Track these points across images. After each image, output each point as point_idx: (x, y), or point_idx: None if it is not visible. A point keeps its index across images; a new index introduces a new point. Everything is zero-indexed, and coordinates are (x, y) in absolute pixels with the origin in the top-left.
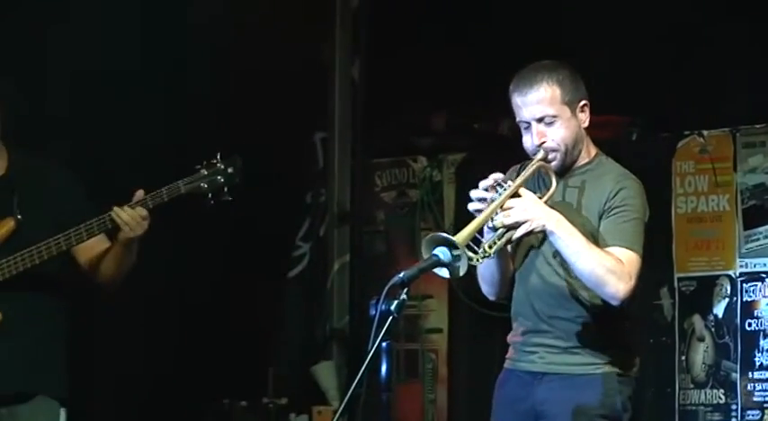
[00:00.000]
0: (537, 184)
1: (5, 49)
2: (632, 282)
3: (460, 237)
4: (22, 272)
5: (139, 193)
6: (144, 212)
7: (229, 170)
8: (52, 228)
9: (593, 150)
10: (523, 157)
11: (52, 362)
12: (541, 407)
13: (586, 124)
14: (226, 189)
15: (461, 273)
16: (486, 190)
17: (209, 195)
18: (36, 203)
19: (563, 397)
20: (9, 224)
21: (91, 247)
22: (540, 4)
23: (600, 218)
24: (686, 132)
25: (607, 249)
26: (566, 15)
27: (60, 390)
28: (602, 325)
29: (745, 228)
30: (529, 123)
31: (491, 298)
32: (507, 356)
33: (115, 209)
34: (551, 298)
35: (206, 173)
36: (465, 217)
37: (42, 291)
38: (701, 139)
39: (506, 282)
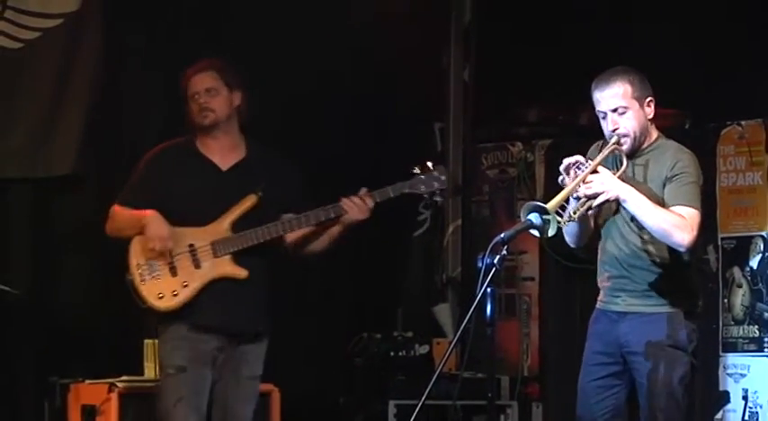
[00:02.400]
0: (613, 164)
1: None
2: (694, 233)
3: (551, 204)
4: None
5: (363, 190)
6: (371, 202)
7: (442, 177)
8: (279, 208)
9: (655, 134)
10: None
11: (270, 310)
12: (624, 339)
13: (651, 116)
14: (438, 191)
15: (551, 234)
16: (569, 166)
17: (426, 195)
18: (273, 184)
19: (640, 330)
20: (252, 199)
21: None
22: (613, 16)
23: (663, 186)
24: (728, 122)
25: (671, 208)
26: (634, 26)
27: (269, 331)
28: (669, 273)
29: None
30: (605, 114)
31: (572, 245)
32: (599, 298)
33: (344, 199)
34: (629, 251)
35: (423, 177)
36: (553, 190)
37: (268, 252)
38: (740, 128)
39: (584, 236)
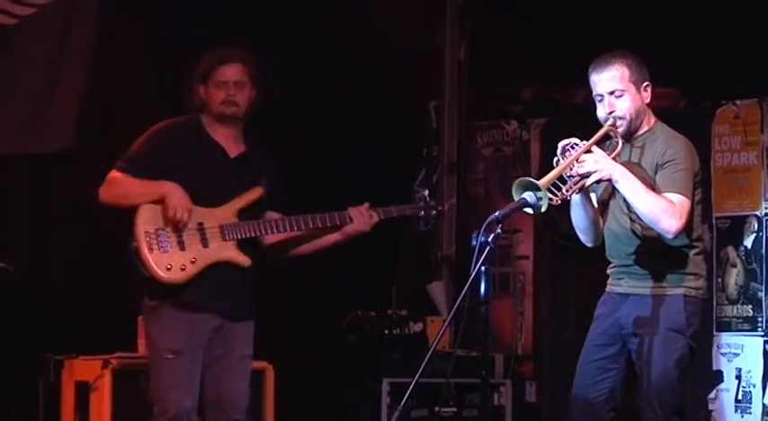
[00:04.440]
0: (607, 148)
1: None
2: (683, 220)
3: (543, 181)
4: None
5: (367, 204)
6: (376, 217)
7: (439, 207)
8: (269, 206)
9: (653, 120)
10: (592, 122)
11: (255, 293)
12: (624, 321)
13: (648, 101)
14: (433, 221)
15: (543, 210)
16: (564, 147)
17: (420, 222)
18: (267, 179)
19: (639, 312)
20: (259, 191)
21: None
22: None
23: (655, 172)
24: (723, 102)
25: (662, 194)
26: (630, 4)
27: (256, 313)
28: (671, 256)
29: None
30: (602, 96)
31: (589, 245)
32: (608, 282)
33: (351, 208)
34: (627, 237)
35: (423, 204)
36: (547, 168)
37: (257, 243)
38: (735, 107)
39: (598, 231)
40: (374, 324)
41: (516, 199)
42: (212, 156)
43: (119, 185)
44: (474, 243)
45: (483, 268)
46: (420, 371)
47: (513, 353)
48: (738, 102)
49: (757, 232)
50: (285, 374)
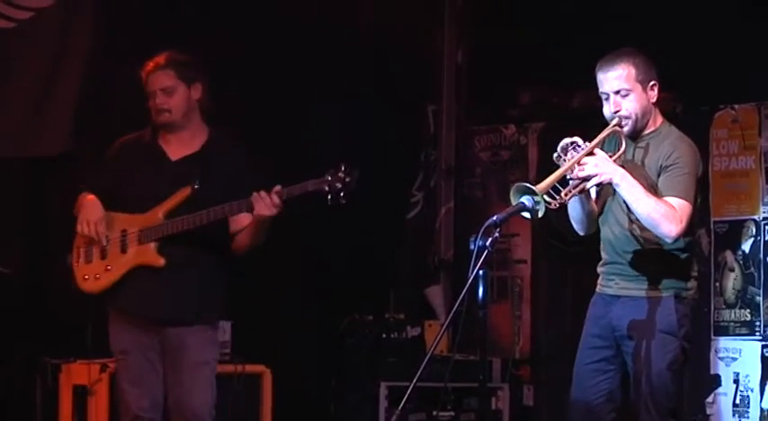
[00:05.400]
0: (612, 146)
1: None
2: (683, 225)
3: (541, 186)
4: (186, 230)
5: (277, 187)
6: (277, 200)
7: (347, 179)
8: (225, 201)
9: (660, 120)
10: (590, 126)
11: (210, 298)
12: (616, 322)
13: (654, 100)
14: (342, 194)
15: (540, 215)
16: (567, 146)
17: (329, 197)
18: (218, 177)
19: (631, 314)
20: (186, 192)
21: (238, 221)
22: (609, 3)
23: (659, 174)
24: (721, 106)
25: (664, 198)
26: (628, 9)
27: (211, 319)
28: (663, 258)
29: (767, 182)
30: (608, 95)
31: (581, 233)
32: (598, 282)
33: (255, 194)
34: (623, 236)
35: (330, 178)
36: (545, 172)
37: (201, 245)
38: (733, 111)
39: (591, 223)
40: (372, 328)
41: (514, 203)
42: (151, 162)
43: (77, 203)
44: (472, 247)
45: (481, 272)
46: (418, 374)
47: (511, 357)
48: (736, 106)
49: (755, 236)
50: (283, 378)
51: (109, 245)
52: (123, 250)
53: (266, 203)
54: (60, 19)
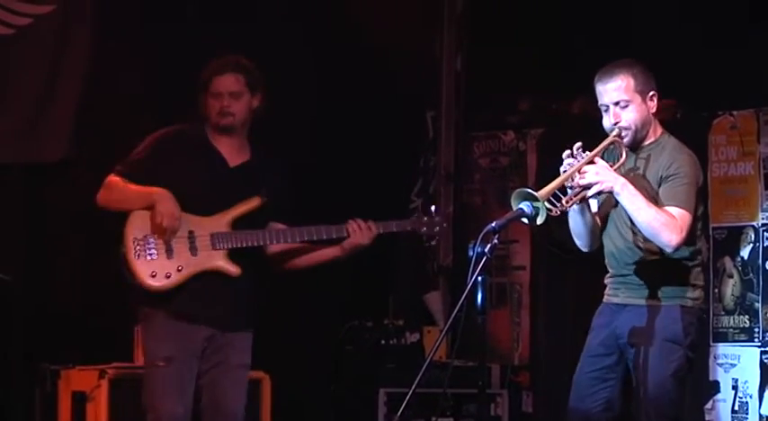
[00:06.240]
0: (614, 158)
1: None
2: (683, 234)
3: (542, 192)
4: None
5: (370, 221)
6: (375, 230)
7: (444, 224)
8: (270, 216)
9: (660, 131)
10: (589, 132)
11: (254, 307)
12: (621, 331)
13: (654, 110)
14: (436, 239)
15: (540, 222)
16: (571, 153)
17: (424, 239)
18: (270, 192)
19: (636, 322)
20: (257, 201)
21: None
22: (608, 10)
23: (659, 184)
24: (719, 112)
25: (664, 208)
26: (627, 15)
27: (255, 324)
28: (668, 267)
29: (766, 189)
30: (608, 106)
31: (584, 250)
32: (605, 293)
33: (351, 221)
34: (626, 248)
35: (426, 220)
36: (544, 179)
37: (259, 254)
38: (732, 118)
39: (594, 238)
40: (371, 334)
41: (514, 209)
42: (211, 164)
43: (115, 190)
44: (471, 253)
45: (480, 278)
46: (417, 381)
47: (510, 363)
48: (735, 112)
49: (754, 243)
50: (282, 384)
51: (176, 244)
52: (194, 253)
53: (364, 233)
54: (59, 25)
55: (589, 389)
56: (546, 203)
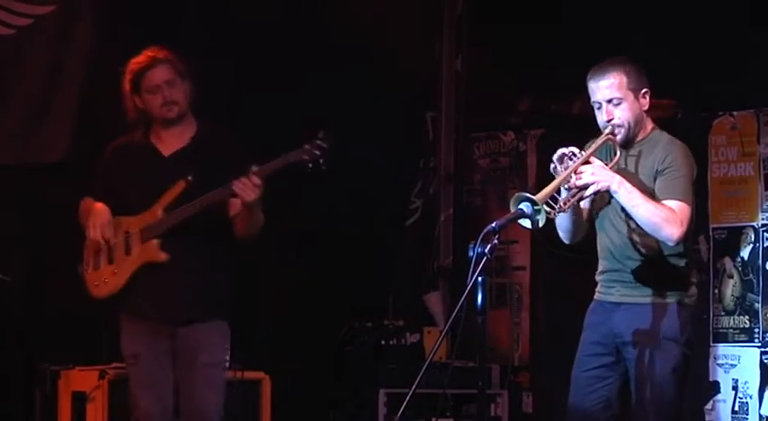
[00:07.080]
0: (607, 155)
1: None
2: (684, 227)
3: (540, 195)
4: (183, 221)
5: (254, 168)
6: (257, 181)
7: (325, 145)
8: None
9: (650, 126)
10: (589, 132)
11: (215, 291)
12: (618, 329)
13: (646, 108)
14: (322, 160)
15: (540, 224)
16: (563, 155)
17: (310, 165)
18: (214, 165)
19: (633, 321)
20: (181, 186)
21: (234, 206)
22: (608, 10)
23: (654, 179)
24: (720, 113)
25: (662, 202)
26: (627, 16)
27: (224, 313)
28: (662, 264)
29: (766, 189)
30: (601, 104)
31: (566, 242)
32: (596, 290)
33: (234, 181)
34: (623, 243)
35: (307, 147)
36: (544, 180)
37: (203, 238)
38: (732, 118)
39: (578, 232)
40: (371, 334)
41: (513, 210)
42: (144, 160)
43: (81, 211)
44: (471, 253)
45: (480, 279)
46: (417, 381)
47: (510, 363)
48: (735, 113)
49: (754, 243)
50: (282, 385)
51: (115, 249)
52: (128, 252)
53: (248, 187)
54: (60, 26)
55: (588, 388)
56: (544, 206)
